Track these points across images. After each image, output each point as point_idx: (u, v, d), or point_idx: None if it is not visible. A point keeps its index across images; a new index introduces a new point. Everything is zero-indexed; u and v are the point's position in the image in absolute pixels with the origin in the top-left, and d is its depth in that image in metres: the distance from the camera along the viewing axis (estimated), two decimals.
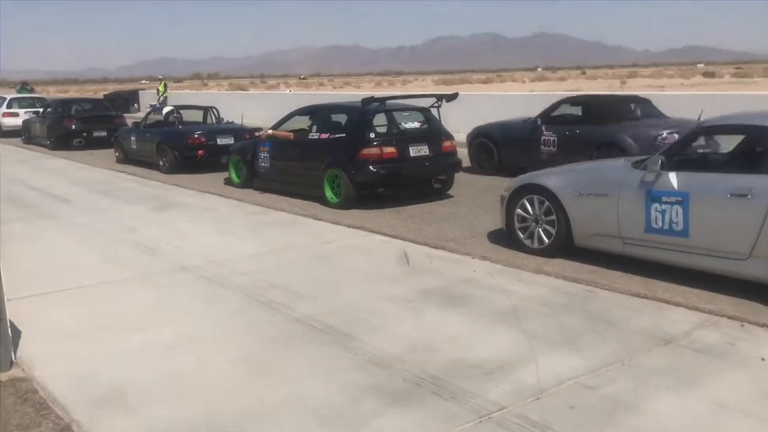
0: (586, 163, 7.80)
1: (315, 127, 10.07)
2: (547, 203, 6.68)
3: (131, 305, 5.59)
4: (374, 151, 9.18)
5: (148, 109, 15.36)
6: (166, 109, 14.35)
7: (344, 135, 9.56)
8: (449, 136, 9.84)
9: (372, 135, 9.29)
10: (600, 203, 6.24)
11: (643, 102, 11.52)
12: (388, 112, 9.52)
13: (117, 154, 15.92)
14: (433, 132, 9.75)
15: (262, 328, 4.99)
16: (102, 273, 6.54)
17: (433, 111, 9.98)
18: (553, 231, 6.66)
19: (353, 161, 9.25)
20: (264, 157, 10.87)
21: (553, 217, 6.62)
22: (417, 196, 9.88)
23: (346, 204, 9.40)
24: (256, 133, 11.46)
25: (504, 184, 7.54)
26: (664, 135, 9.54)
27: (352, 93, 31.20)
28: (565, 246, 6.62)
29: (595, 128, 10.47)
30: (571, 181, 6.56)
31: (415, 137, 9.53)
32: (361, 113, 9.55)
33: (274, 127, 10.99)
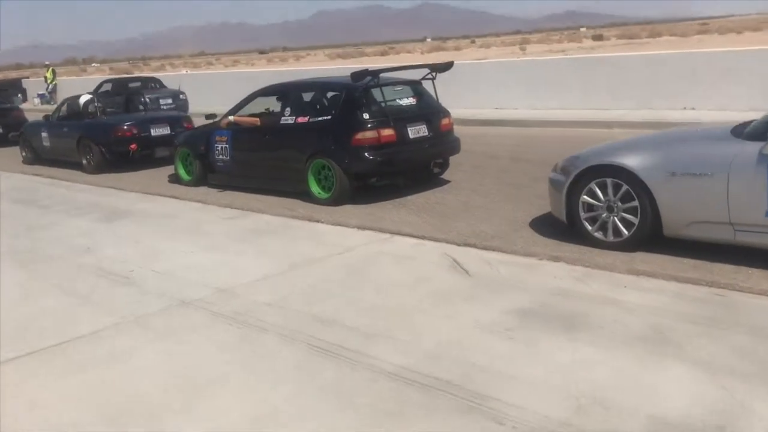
0: (670, 133, 6.62)
1: (289, 109, 8.54)
2: (625, 187, 5.54)
3: (138, 372, 4.05)
4: (370, 134, 7.79)
5: (64, 100, 13.19)
6: (84, 98, 12.28)
7: (331, 117, 8.10)
8: (446, 113, 8.57)
9: (366, 116, 7.88)
10: (702, 184, 5.15)
11: None
12: (380, 88, 8.12)
13: (24, 153, 13.74)
14: (431, 108, 8.45)
15: (355, 395, 3.60)
16: (77, 320, 4.91)
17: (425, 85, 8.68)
18: (634, 220, 5.54)
19: (346, 148, 7.83)
20: (222, 148, 9.25)
21: (635, 203, 5.50)
22: (414, 184, 8.58)
23: (338, 199, 7.99)
24: (209, 120, 9.76)
25: (555, 164, 6.38)
26: None
27: (293, 69, 29.07)
28: (649, 237, 5.53)
29: None
30: (659, 159, 5.42)
31: (412, 116, 8.20)
32: (350, 90, 8.11)
33: (232, 112, 9.37)
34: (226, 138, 9.20)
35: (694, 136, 5.87)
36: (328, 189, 8.07)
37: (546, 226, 6.53)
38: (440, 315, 4.57)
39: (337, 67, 24.89)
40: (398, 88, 8.35)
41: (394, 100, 8.21)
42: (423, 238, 6.44)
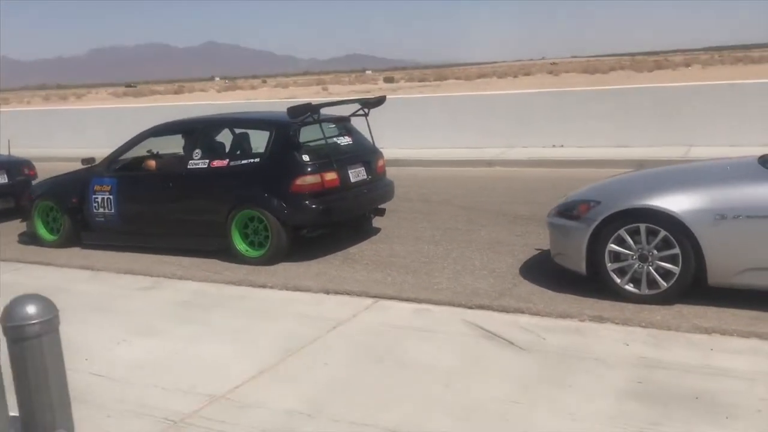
0: (688, 170, 6.01)
1: (199, 151, 7.08)
2: (663, 233, 4.95)
3: None
4: (312, 179, 6.61)
5: None
6: None
7: (260, 160, 6.80)
8: (381, 154, 7.60)
9: (306, 157, 6.69)
10: (760, 226, 4.68)
11: None
12: (319, 125, 6.97)
13: None
14: (366, 149, 7.43)
15: None
16: None
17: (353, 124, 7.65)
18: (673, 269, 4.95)
19: (284, 196, 6.58)
20: (104, 200, 7.51)
21: (675, 250, 4.92)
22: (351, 234, 7.49)
23: (273, 257, 6.69)
24: (85, 165, 7.92)
25: (553, 207, 5.70)
26: None
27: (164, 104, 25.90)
28: (691, 287, 4.98)
29: None
30: (703, 201, 4.88)
31: (351, 157, 7.12)
32: (283, 128, 6.86)
33: (114, 157, 7.69)
34: (109, 187, 7.48)
35: (730, 174, 5.41)
36: (259, 245, 6.74)
37: (542, 277, 5.81)
38: (542, 410, 3.59)
39: (153, 105, 22.90)
40: (331, 125, 7.24)
41: (331, 138, 7.11)
42: (416, 301, 5.42)
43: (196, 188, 7.02)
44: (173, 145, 8.07)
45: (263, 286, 6.02)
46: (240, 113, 8.50)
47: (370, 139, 7.48)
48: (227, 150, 7.35)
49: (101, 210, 7.55)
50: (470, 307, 5.18)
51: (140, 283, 6.30)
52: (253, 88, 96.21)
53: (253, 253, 6.74)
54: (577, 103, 13.55)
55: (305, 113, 6.74)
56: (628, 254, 5.09)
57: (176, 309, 5.54)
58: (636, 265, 5.08)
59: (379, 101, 7.58)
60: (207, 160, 6.99)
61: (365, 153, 7.32)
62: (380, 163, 7.49)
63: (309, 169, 6.60)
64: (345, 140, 7.22)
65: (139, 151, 7.69)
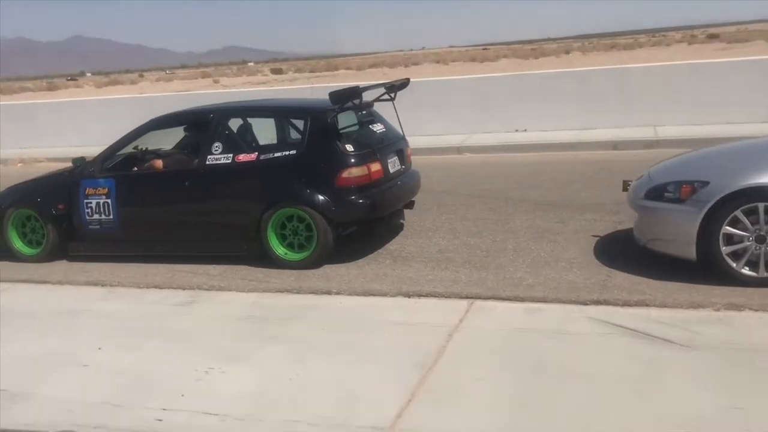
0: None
1: (219, 144, 6.25)
2: None
3: None
4: (358, 171, 5.95)
5: None
6: None
7: (298, 152, 6.07)
8: (407, 141, 7.02)
9: (351, 147, 6.02)
10: None
11: None
12: (354, 112, 6.30)
13: None
14: (397, 136, 6.82)
15: None
16: None
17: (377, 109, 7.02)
18: None
19: (330, 191, 5.89)
20: (99, 205, 6.52)
21: None
22: (378, 231, 6.87)
23: (318, 260, 6.00)
24: (76, 165, 6.84)
25: (632, 187, 5.40)
26: None
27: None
28: None
29: None
30: None
31: (387, 146, 6.50)
32: (319, 115, 6.15)
33: (108, 154, 6.71)
34: (106, 190, 6.50)
35: None
36: (300, 247, 6.03)
37: (631, 265, 5.44)
38: None
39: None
40: (364, 111, 6.59)
41: (365, 125, 6.46)
42: (516, 299, 4.93)
43: (219, 186, 6.20)
44: (165, 140, 7.19)
45: (328, 293, 5.34)
46: (263, 101, 7.62)
47: (397, 125, 6.87)
48: (254, 141, 6.54)
49: (96, 216, 6.56)
50: (584, 303, 4.75)
51: (174, 298, 5.45)
52: (132, 83, 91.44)
53: (294, 256, 6.02)
54: (538, 87, 13.39)
55: (351, 98, 6.07)
56: (744, 236, 4.81)
57: (244, 325, 4.79)
58: (753, 247, 4.80)
59: (404, 84, 6.98)
60: (230, 154, 6.17)
61: (397, 141, 6.72)
62: (409, 151, 6.92)
63: (354, 161, 5.94)
64: (379, 127, 6.59)
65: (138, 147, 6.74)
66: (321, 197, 5.87)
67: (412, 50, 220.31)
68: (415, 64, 67.85)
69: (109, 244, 6.68)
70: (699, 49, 50.14)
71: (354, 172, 5.91)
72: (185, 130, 6.91)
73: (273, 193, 6.01)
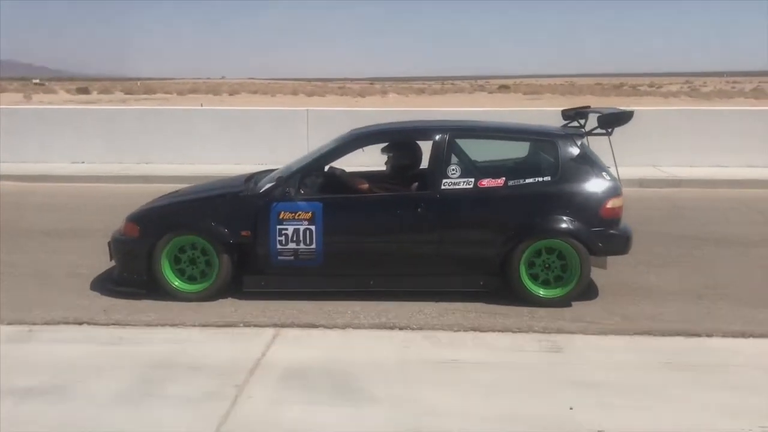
0: None
1: (457, 168, 5.55)
2: None
3: None
4: (619, 202, 5.62)
5: None
6: None
7: (553, 178, 5.56)
8: None
9: (606, 175, 5.64)
10: None
11: None
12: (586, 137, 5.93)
13: None
14: None
15: None
16: None
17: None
18: None
19: (595, 222, 5.47)
20: (298, 232, 5.46)
21: None
22: None
23: (574, 295, 5.53)
24: (249, 181, 5.64)
25: None
26: None
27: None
28: None
29: None
30: None
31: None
32: (570, 139, 5.71)
33: (306, 172, 5.67)
34: (309, 214, 5.46)
35: None
36: (553, 282, 5.52)
37: None
38: None
39: None
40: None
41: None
42: None
43: (459, 214, 5.50)
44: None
45: (680, 335, 4.86)
46: (495, 122, 6.77)
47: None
48: (501, 166, 5.89)
49: (291, 245, 5.48)
50: None
51: (514, 343, 4.70)
52: None
53: (554, 293, 5.49)
54: None
55: (621, 122, 5.73)
56: None
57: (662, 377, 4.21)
58: None
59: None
60: (471, 179, 5.51)
61: None
62: None
63: (615, 189, 5.59)
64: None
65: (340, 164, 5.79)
66: (585, 229, 5.44)
67: (209, 78, 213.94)
68: (233, 93, 66.20)
69: (299, 278, 5.62)
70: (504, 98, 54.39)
71: (617, 203, 5.59)
72: (388, 149, 6.06)
73: (525, 223, 5.48)
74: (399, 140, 6.10)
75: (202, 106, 21.73)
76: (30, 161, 13.00)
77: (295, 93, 67.13)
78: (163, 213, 5.83)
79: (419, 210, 5.47)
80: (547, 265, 5.53)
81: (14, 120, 13.51)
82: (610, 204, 5.53)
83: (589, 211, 5.50)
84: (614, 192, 5.57)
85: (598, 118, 5.79)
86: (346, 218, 5.59)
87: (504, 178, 5.57)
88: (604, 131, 5.88)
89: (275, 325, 5.03)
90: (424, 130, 6.03)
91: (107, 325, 5.04)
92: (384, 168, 6.30)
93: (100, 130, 13.43)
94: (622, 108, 6.23)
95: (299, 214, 5.49)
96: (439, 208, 5.49)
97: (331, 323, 5.09)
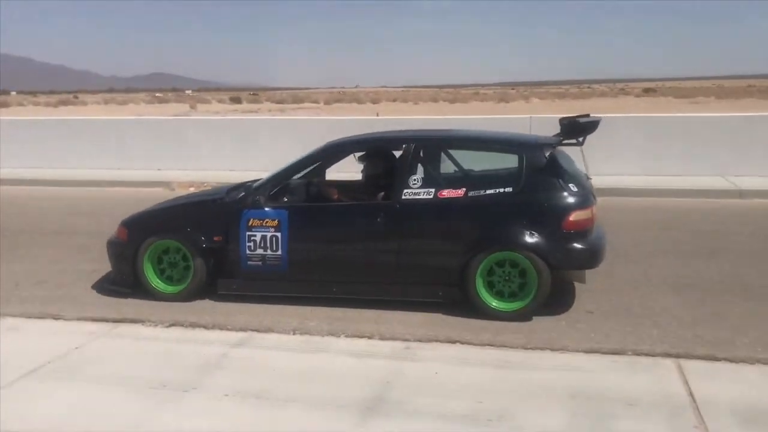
0: None
1: (418, 178, 5.59)
2: None
3: None
4: (584, 215, 5.42)
5: None
6: None
7: (514, 189, 5.47)
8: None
9: (574, 187, 5.46)
10: None
11: None
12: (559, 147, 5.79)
13: None
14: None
15: None
16: None
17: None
18: None
19: (555, 235, 5.32)
20: (265, 239, 5.73)
21: None
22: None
23: (534, 310, 5.39)
24: (233, 191, 6.05)
25: None
26: None
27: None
28: None
29: None
30: None
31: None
32: (539, 151, 5.59)
33: (278, 182, 5.92)
34: (276, 222, 5.72)
35: None
36: (511, 296, 5.40)
37: None
38: None
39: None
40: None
41: (570, 164, 5.91)
42: None
43: (418, 224, 5.55)
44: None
45: (620, 353, 4.68)
46: (464, 131, 6.90)
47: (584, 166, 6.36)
48: (463, 176, 5.91)
49: (258, 251, 5.76)
50: None
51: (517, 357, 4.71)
52: (84, 103, 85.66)
53: (507, 306, 5.39)
54: None
55: (582, 130, 5.56)
56: None
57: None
58: None
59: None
60: (432, 189, 5.53)
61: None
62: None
63: (580, 202, 5.39)
64: (580, 167, 6.06)
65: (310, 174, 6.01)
66: (545, 242, 5.29)
67: (344, 87, 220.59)
68: (375, 101, 67.56)
69: (267, 283, 5.88)
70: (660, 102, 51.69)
71: (581, 216, 5.39)
72: (363, 158, 6.22)
73: (484, 234, 5.41)
74: (370, 150, 6.20)
75: (378, 115, 22.19)
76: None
77: (434, 100, 67.66)
78: (149, 218, 6.31)
79: (379, 219, 5.56)
80: (504, 278, 5.42)
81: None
82: (573, 217, 5.33)
83: (550, 223, 5.33)
84: (580, 204, 5.37)
85: (561, 127, 5.63)
86: (310, 226, 5.77)
87: (464, 189, 5.52)
88: (574, 140, 5.73)
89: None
90: (392, 140, 6.13)
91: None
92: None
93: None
94: (594, 116, 5.94)
95: (266, 222, 5.75)
96: (398, 218, 5.53)
97: None
